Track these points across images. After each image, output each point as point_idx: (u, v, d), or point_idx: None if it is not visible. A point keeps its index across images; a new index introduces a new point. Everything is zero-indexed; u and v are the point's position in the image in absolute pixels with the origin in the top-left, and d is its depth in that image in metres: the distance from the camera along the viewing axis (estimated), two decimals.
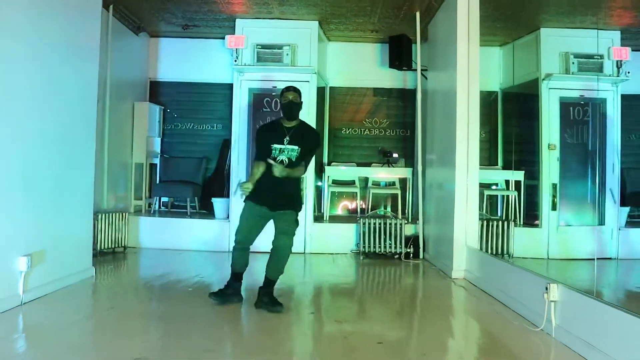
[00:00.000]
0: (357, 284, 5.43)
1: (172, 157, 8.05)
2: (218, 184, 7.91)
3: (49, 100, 4.18)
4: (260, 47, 7.00)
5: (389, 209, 7.79)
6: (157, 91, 8.16)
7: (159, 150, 8.05)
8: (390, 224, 6.54)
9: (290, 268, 5.90)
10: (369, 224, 6.56)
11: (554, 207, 6.94)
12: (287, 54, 6.98)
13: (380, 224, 6.54)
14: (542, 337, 3.32)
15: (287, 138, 3.97)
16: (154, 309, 3.95)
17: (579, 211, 7.10)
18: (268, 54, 6.99)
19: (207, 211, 7.76)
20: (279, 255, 3.91)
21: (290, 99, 3.99)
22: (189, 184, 7.64)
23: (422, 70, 6.95)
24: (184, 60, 8.06)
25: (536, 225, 6.99)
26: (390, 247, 6.53)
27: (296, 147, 3.97)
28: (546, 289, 3.33)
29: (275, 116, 7.15)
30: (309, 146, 4.04)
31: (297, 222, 4.00)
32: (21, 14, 3.80)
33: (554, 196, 6.95)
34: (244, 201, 4.03)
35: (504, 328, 3.61)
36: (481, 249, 5.51)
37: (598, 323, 2.92)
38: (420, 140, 6.73)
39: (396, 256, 6.55)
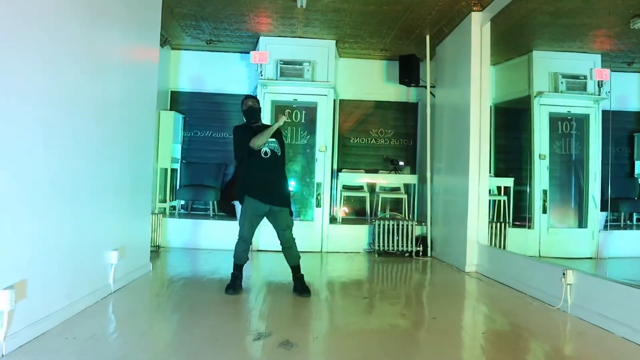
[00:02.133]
0: (385, 277, 6.11)
1: (193, 162, 8.60)
2: (234, 188, 8.49)
3: (126, 111, 4.74)
4: (282, 62, 7.65)
5: (387, 211, 8.50)
6: (177, 100, 8.71)
7: (179, 157, 8.58)
8: (402, 225, 7.26)
9: (322, 265, 6.61)
10: (383, 225, 7.27)
11: (544, 211, 7.76)
12: (308, 70, 7.66)
13: (393, 225, 7.26)
14: (560, 314, 4.08)
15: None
16: (235, 296, 4.50)
17: (565, 214, 7.97)
18: (290, 69, 7.64)
19: (225, 213, 8.35)
20: (294, 246, 4.63)
21: (250, 105, 4.73)
22: (210, 188, 8.21)
23: (425, 86, 7.73)
24: (204, 72, 8.65)
25: (526, 227, 7.80)
26: (402, 245, 7.25)
27: (274, 139, 4.64)
28: (563, 274, 4.09)
29: (295, 126, 7.85)
30: (281, 138, 4.79)
31: (292, 215, 4.75)
32: (101, 38, 4.37)
33: (545, 201, 7.78)
34: (245, 201, 4.64)
35: (526, 308, 4.35)
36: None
37: (608, 298, 3.68)
38: (429, 150, 7.48)
39: (407, 254, 7.28)
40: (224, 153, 8.75)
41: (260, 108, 4.84)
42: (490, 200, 8.30)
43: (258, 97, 7.63)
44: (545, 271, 4.53)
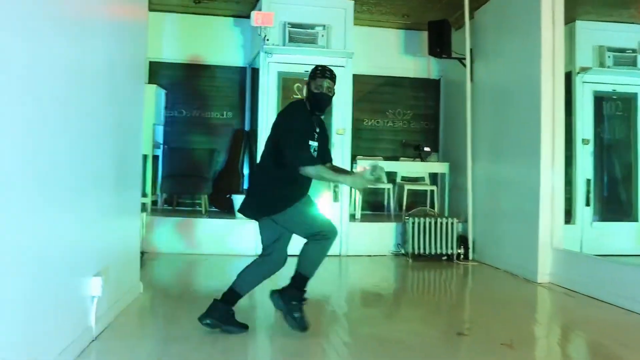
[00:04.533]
0: (455, 293, 5.03)
1: (177, 148, 7.14)
2: (231, 179, 7.11)
3: (110, 83, 3.31)
4: (291, 26, 6.27)
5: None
6: (157, 73, 7.21)
7: (161, 141, 7.11)
8: (441, 222, 6.07)
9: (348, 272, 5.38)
10: (417, 222, 6.05)
11: (587, 203, 6.74)
12: (322, 35, 6.32)
13: (430, 222, 6.06)
14: None
15: (316, 133, 3.21)
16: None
17: (609, 207, 6.99)
18: (301, 34, 6.28)
19: (218, 209, 6.97)
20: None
21: (324, 91, 3.10)
22: (200, 178, 6.81)
23: (461, 59, 6.52)
24: (190, 38, 7.19)
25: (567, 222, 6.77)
26: (439, 247, 6.07)
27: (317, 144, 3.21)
28: None
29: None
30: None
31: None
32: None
33: (588, 191, 6.76)
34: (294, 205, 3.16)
35: None
36: None
37: None
38: (469, 134, 6.28)
39: (444, 257, 6.10)
40: (213, 136, 7.35)
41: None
42: None
43: (262, 69, 6.34)
44: None
